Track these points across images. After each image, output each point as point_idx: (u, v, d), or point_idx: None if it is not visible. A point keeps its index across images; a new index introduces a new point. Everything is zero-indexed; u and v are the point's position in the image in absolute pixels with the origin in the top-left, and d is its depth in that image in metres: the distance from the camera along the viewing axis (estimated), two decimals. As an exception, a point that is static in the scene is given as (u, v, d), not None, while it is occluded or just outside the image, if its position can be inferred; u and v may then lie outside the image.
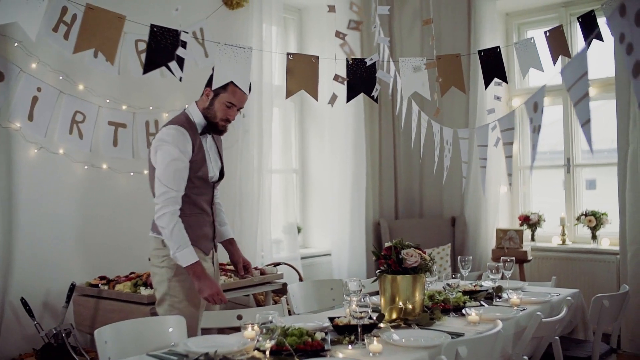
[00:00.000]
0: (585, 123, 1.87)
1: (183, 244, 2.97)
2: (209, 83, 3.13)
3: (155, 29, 2.88)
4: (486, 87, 3.64)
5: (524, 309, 3.34)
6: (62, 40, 3.93)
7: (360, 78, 3.28)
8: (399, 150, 6.76)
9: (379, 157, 6.62)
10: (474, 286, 3.83)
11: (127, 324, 2.78)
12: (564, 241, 6.12)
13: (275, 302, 4.66)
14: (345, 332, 2.75)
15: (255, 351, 2.48)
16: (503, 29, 6.58)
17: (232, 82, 3.06)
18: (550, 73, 6.36)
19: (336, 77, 3.27)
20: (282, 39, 5.86)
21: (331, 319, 2.90)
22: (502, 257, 3.89)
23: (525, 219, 6.31)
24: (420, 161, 6.29)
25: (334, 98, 3.29)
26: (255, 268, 4.52)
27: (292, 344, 2.48)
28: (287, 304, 3.72)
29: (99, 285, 3.97)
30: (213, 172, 3.23)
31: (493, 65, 3.63)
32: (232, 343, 2.60)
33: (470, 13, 6.31)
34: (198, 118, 3.14)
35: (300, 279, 5.20)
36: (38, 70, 4.00)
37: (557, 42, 3.83)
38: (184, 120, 3.10)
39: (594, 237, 5.96)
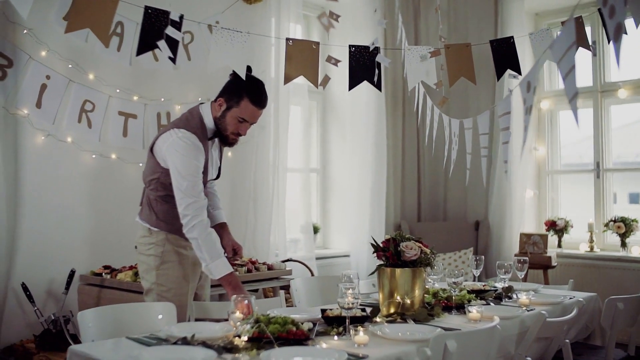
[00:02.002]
0: (573, 98, 1.75)
1: (215, 255, 2.91)
2: (223, 92, 3.04)
3: (149, 11, 2.84)
4: (498, 78, 3.50)
5: (532, 310, 3.18)
6: (72, 29, 3.94)
7: (363, 65, 3.18)
8: (423, 150, 6.61)
9: (401, 158, 6.49)
10: (483, 285, 3.69)
11: (111, 308, 2.75)
12: (591, 248, 5.88)
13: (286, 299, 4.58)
14: (334, 323, 2.66)
15: (236, 338, 2.40)
16: (532, 28, 6.40)
17: (245, 97, 2.96)
18: (581, 74, 6.20)
19: (329, 59, 3.19)
20: (303, 37, 5.80)
21: (323, 311, 2.81)
22: (515, 257, 3.74)
23: (551, 225, 6.10)
24: (432, 154, 6.13)
25: (325, 80, 3.20)
26: (264, 263, 4.46)
27: (274, 331, 2.40)
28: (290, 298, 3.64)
29: (102, 274, 3.95)
30: (211, 175, 3.17)
31: (506, 56, 3.49)
32: (216, 330, 2.53)
33: (497, 13, 6.16)
34: (209, 122, 3.05)
35: (313, 278, 5.11)
36: (47, 58, 4.01)
37: (576, 34, 3.66)
38: (197, 126, 3.01)
39: (623, 244, 5.72)
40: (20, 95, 3.91)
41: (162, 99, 4.53)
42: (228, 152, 5.04)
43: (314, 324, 2.64)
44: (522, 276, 3.71)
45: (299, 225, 5.80)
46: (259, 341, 2.37)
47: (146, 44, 2.84)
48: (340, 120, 6.26)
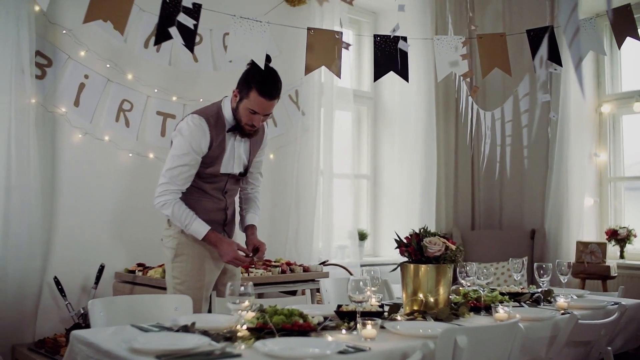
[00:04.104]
0: (578, 64, 1.61)
1: (189, 220, 2.95)
2: (238, 83, 3.02)
3: (167, 0, 2.84)
4: (535, 69, 3.32)
5: (569, 313, 2.97)
6: (110, 29, 4.02)
7: (389, 55, 3.07)
8: (477, 155, 6.35)
9: (454, 163, 6.28)
10: (522, 288, 3.49)
11: (123, 299, 2.74)
12: (658, 259, 5.53)
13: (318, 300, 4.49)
14: (346, 318, 2.56)
15: (238, 327, 2.34)
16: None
17: (253, 89, 2.92)
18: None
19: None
20: (354, 42, 5.72)
21: (339, 306, 2.71)
22: (557, 261, 3.52)
23: (612, 234, 5.75)
24: (469, 151, 5.87)
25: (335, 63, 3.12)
26: (300, 265, 4.38)
27: (279, 322, 2.32)
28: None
29: (136, 271, 3.98)
30: (230, 169, 3.11)
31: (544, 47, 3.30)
32: (222, 321, 2.47)
33: (553, 15, 5.92)
34: (229, 115, 3.05)
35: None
36: (86, 58, 4.10)
37: (624, 23, 3.44)
38: (212, 113, 3.02)
39: (693, 255, 5.35)
40: (59, 93, 4.01)
41: (201, 100, 4.54)
42: (269, 154, 5.01)
43: (325, 318, 2.55)
44: (565, 280, 3.48)
45: (347, 231, 5.72)
46: (260, 331, 2.29)
47: (165, 34, 2.84)
48: (391, 126, 6.14)
